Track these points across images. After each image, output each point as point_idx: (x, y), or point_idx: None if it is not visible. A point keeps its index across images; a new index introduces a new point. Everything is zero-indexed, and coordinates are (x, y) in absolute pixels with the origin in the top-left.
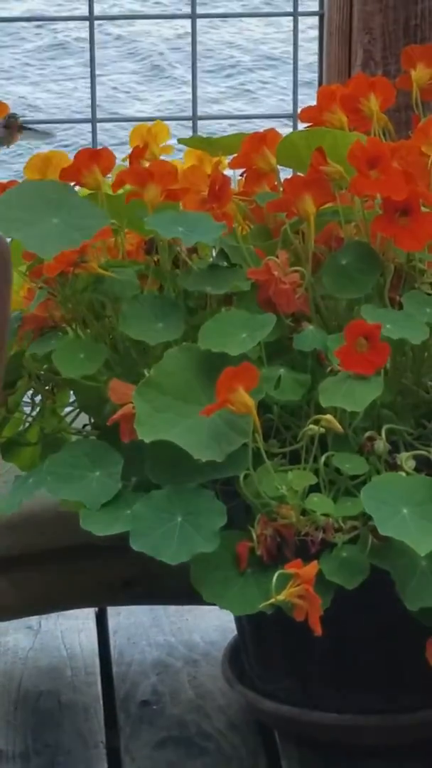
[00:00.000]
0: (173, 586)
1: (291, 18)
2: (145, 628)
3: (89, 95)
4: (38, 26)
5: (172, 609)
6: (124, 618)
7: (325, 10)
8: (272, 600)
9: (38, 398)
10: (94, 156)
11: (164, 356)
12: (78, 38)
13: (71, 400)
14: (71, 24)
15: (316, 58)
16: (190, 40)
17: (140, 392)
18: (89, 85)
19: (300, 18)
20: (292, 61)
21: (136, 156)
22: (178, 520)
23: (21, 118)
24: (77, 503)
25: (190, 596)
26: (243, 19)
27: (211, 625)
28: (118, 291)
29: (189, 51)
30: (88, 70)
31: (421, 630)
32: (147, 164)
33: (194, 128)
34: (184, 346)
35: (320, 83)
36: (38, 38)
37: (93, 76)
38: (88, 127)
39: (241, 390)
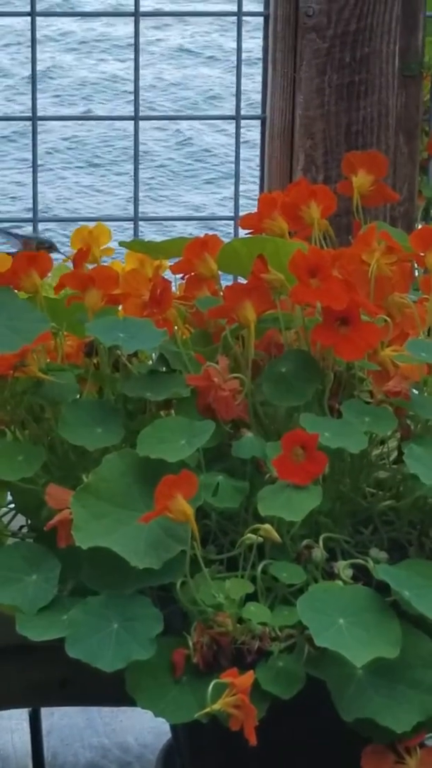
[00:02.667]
0: (109, 688)
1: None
2: (79, 729)
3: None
4: None
5: (106, 710)
6: (58, 718)
7: (267, 113)
8: (208, 709)
9: None
10: (32, 260)
11: (103, 461)
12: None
13: (8, 501)
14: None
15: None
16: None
17: (78, 498)
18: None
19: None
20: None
21: (79, 260)
22: (114, 627)
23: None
24: (13, 607)
25: (125, 698)
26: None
27: (145, 726)
28: (57, 395)
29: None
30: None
31: (358, 739)
32: (88, 267)
33: (135, 229)
34: (122, 451)
35: (261, 185)
36: None
37: (35, 177)
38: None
39: (179, 497)
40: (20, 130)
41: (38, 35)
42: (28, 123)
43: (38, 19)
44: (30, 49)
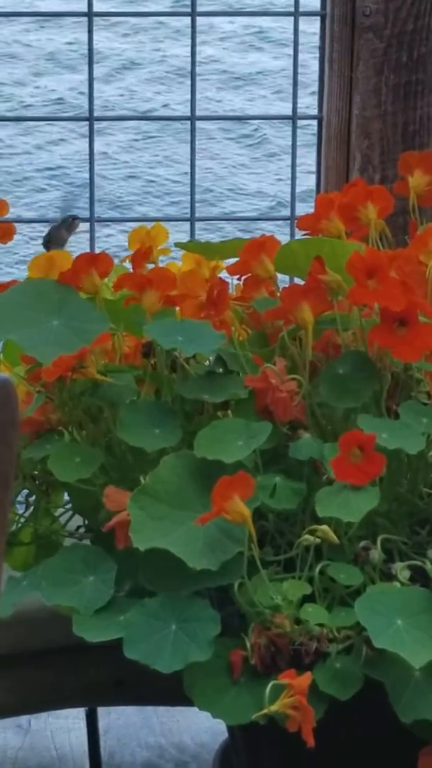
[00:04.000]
0: (164, 687)
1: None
2: (135, 729)
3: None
4: None
5: (163, 709)
6: (114, 718)
7: (324, 114)
8: (265, 711)
9: (32, 498)
10: (93, 260)
11: (160, 463)
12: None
13: (65, 501)
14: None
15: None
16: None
17: (135, 499)
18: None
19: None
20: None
21: (138, 260)
22: (172, 628)
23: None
24: (70, 608)
25: (181, 697)
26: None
27: (201, 726)
28: (115, 396)
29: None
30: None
31: (415, 741)
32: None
33: (192, 230)
34: (180, 453)
35: (318, 186)
36: None
37: (92, 177)
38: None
39: (236, 499)
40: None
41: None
42: None
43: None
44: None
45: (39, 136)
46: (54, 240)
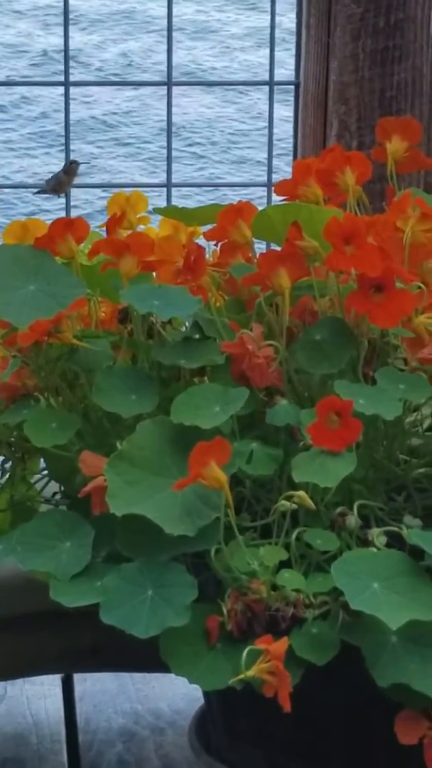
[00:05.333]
0: (141, 654)
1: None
2: (111, 696)
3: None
4: None
5: (139, 676)
6: (90, 685)
7: (301, 80)
8: (242, 676)
9: (8, 465)
10: (69, 225)
11: (137, 429)
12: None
13: (42, 467)
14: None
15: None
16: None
17: (112, 465)
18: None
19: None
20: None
21: (113, 225)
22: (148, 594)
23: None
24: (47, 573)
25: (157, 664)
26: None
27: (177, 693)
28: (91, 362)
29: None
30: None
31: (391, 705)
32: (124, 233)
33: (168, 195)
34: (156, 418)
35: (295, 152)
36: None
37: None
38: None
39: (213, 465)
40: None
41: None
42: None
43: None
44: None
45: None
46: (53, 185)
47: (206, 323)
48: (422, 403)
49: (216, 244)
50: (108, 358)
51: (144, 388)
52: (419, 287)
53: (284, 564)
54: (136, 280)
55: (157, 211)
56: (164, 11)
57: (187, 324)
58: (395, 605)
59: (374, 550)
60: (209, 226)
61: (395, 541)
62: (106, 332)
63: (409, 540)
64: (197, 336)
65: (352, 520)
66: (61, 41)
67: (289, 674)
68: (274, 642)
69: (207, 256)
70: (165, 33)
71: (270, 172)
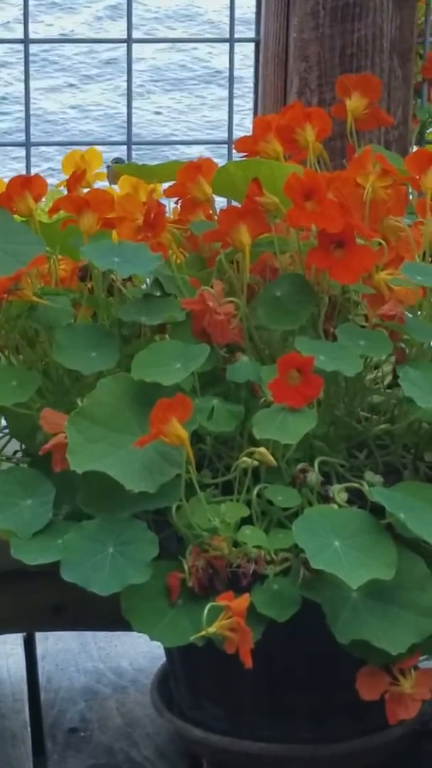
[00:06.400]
0: (103, 613)
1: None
2: (73, 654)
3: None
4: None
5: (101, 635)
6: (52, 643)
7: (261, 37)
8: (203, 633)
9: None
10: (26, 183)
11: (97, 386)
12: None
13: (2, 425)
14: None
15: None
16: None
17: (72, 422)
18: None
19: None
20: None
21: (73, 183)
22: (109, 551)
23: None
24: (8, 531)
25: (119, 622)
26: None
27: (140, 651)
28: (52, 319)
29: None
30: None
31: (352, 661)
32: (83, 191)
33: (129, 153)
34: (117, 375)
35: (255, 109)
36: None
37: (27, 100)
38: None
39: (174, 421)
40: None
41: None
42: None
43: None
44: None
45: None
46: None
47: (167, 280)
48: (383, 360)
49: (176, 201)
50: (68, 316)
51: (104, 346)
52: (380, 243)
53: (245, 521)
54: (96, 237)
55: (116, 168)
56: None
57: (147, 281)
58: (356, 564)
59: (335, 506)
60: (170, 183)
61: (356, 497)
62: (66, 290)
63: (371, 497)
64: (158, 293)
65: (313, 476)
66: None
67: (251, 631)
68: (235, 598)
69: (167, 213)
70: None
71: (231, 129)
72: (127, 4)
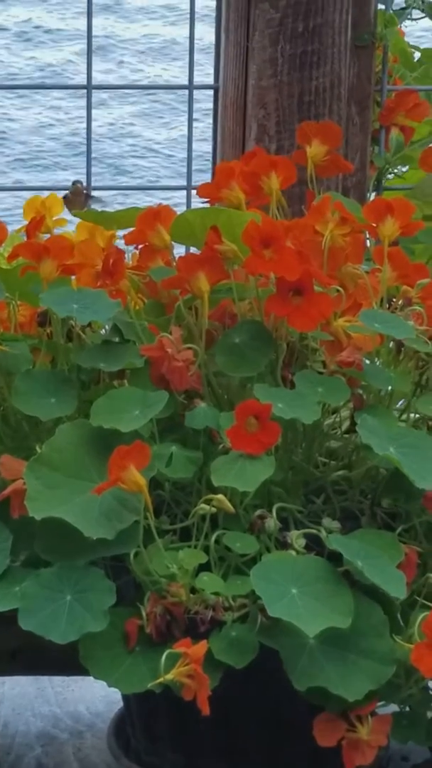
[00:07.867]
0: (60, 657)
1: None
2: (30, 699)
3: None
4: None
5: (58, 679)
6: (8, 688)
7: (220, 83)
8: (161, 679)
9: None
10: None
11: (56, 432)
12: None
13: None
14: None
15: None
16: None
17: (31, 468)
18: None
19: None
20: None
21: (33, 229)
22: (67, 599)
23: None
24: None
25: (77, 666)
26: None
27: (96, 695)
28: (10, 365)
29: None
30: None
31: (309, 707)
32: (42, 237)
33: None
34: (76, 422)
35: (214, 155)
36: None
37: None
38: None
39: (132, 468)
40: None
41: None
42: None
43: None
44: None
45: None
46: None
47: (125, 326)
48: (341, 406)
49: (135, 248)
50: (27, 362)
51: (63, 392)
52: (337, 291)
53: (203, 567)
54: (56, 283)
55: (76, 214)
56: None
57: (106, 327)
58: (313, 612)
59: (293, 553)
60: (128, 230)
61: (314, 543)
62: (25, 335)
63: (329, 545)
64: (116, 339)
65: (271, 522)
66: None
67: (208, 677)
68: (193, 645)
69: (126, 259)
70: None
71: (190, 175)
72: (88, 50)
